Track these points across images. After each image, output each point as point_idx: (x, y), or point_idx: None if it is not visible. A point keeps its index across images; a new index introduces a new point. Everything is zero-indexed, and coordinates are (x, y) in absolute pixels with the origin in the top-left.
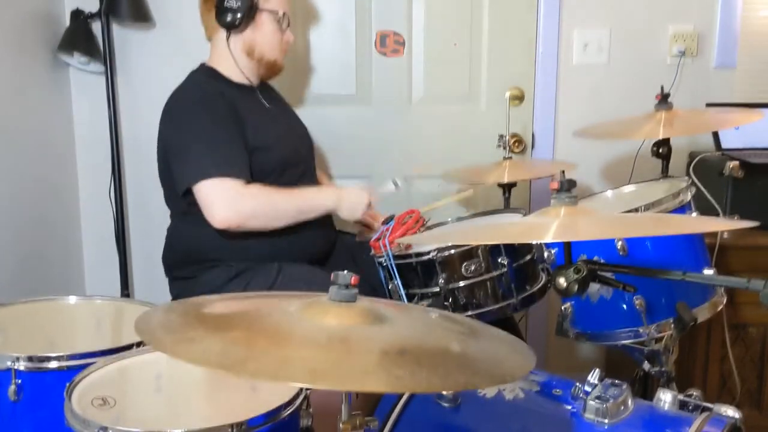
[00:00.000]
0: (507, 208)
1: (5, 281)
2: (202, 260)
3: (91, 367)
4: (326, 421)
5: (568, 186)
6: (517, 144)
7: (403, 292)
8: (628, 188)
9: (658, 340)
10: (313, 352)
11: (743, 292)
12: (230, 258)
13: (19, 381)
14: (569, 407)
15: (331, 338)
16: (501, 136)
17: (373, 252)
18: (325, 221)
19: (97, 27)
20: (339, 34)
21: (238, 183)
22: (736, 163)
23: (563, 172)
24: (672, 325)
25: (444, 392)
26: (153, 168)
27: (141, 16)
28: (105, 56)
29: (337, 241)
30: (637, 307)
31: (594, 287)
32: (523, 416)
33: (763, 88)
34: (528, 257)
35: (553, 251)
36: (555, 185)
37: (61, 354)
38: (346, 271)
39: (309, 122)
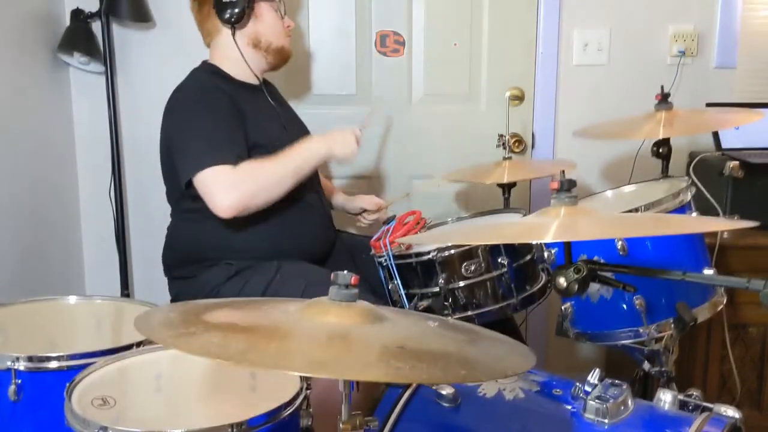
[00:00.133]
0: (507, 208)
1: (5, 281)
2: (202, 259)
3: (91, 367)
4: (326, 421)
5: (568, 186)
6: (517, 144)
7: (402, 292)
8: (628, 188)
9: (658, 340)
10: (313, 346)
11: (743, 292)
12: (230, 257)
13: (19, 381)
14: (569, 407)
15: (332, 335)
16: (501, 136)
17: (373, 252)
18: (325, 221)
19: (97, 27)
20: (339, 34)
21: (228, 167)
22: (736, 163)
23: (563, 172)
24: (672, 325)
25: (444, 392)
26: (153, 168)
27: (141, 16)
28: (105, 56)
29: (336, 240)
30: (637, 307)
31: (594, 287)
32: (523, 416)
33: (763, 88)
34: (528, 257)
35: (553, 251)
36: (555, 185)
37: (61, 354)
38: (346, 271)
39: (309, 122)
